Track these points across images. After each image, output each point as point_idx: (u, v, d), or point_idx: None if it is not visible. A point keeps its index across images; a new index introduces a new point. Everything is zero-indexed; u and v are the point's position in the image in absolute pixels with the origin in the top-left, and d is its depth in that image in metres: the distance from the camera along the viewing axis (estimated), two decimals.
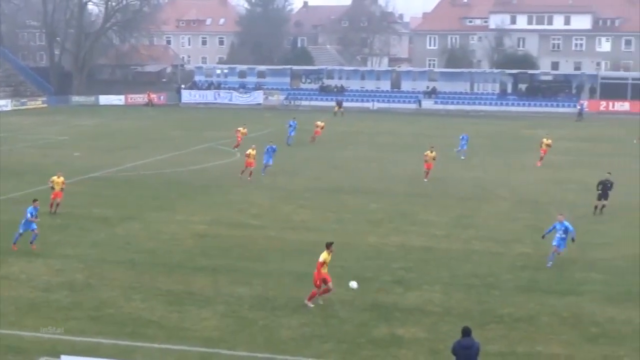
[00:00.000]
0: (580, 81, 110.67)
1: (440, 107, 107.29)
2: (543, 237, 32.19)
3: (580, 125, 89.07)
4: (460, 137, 62.14)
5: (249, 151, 49.99)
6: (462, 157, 60.37)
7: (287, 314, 25.56)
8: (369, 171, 54.93)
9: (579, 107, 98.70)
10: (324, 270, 25.86)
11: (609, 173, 42.81)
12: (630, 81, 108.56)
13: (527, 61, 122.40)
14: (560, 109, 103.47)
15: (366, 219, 39.75)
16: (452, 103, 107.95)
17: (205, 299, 26.85)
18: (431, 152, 50.89)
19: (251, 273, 29.94)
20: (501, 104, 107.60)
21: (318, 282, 25.92)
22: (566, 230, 30.68)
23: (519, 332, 24.37)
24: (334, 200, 44.69)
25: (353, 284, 26.02)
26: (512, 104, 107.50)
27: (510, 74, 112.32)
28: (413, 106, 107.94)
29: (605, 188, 41.19)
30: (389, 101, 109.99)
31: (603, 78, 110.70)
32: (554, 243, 30.92)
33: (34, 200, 33.35)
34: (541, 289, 28.66)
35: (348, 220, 39.44)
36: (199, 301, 26.59)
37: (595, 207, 41.24)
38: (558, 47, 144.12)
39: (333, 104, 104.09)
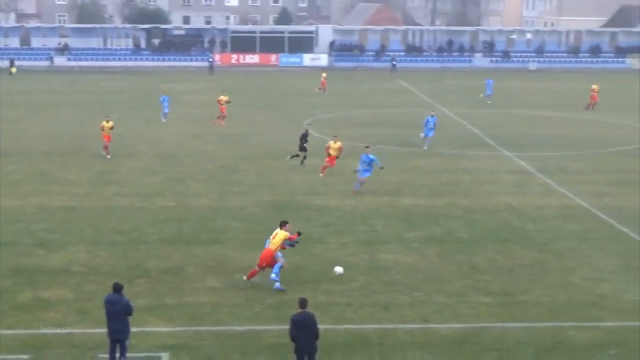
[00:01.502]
0: (211, 35, 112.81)
1: (74, 63, 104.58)
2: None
3: (213, 78, 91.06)
4: (161, 99, 58.26)
5: None
6: (164, 120, 57.20)
7: None
8: (4, 133, 52.46)
9: (210, 61, 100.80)
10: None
11: (308, 124, 44.19)
12: (258, 34, 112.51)
13: (158, 16, 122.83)
14: (194, 63, 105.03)
15: (4, 182, 38.23)
16: (86, 59, 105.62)
17: None
18: (107, 121, 44.71)
19: None
20: (135, 59, 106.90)
21: (264, 263, 24.42)
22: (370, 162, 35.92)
23: (166, 284, 24.89)
24: None
25: (338, 269, 24.81)
26: (147, 59, 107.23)
27: (143, 29, 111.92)
28: (46, 63, 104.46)
29: (303, 139, 42.50)
30: (19, 59, 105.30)
31: (233, 32, 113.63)
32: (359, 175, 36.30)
33: None
34: (185, 240, 29.39)
35: None
36: None
37: (296, 155, 42.42)
38: (188, 2, 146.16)
39: None
